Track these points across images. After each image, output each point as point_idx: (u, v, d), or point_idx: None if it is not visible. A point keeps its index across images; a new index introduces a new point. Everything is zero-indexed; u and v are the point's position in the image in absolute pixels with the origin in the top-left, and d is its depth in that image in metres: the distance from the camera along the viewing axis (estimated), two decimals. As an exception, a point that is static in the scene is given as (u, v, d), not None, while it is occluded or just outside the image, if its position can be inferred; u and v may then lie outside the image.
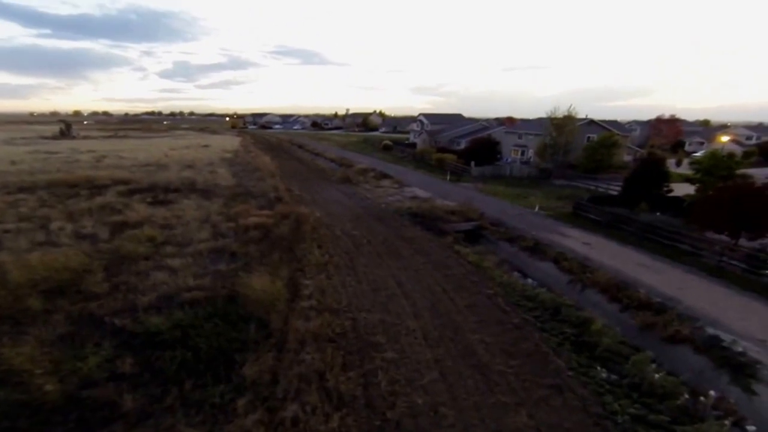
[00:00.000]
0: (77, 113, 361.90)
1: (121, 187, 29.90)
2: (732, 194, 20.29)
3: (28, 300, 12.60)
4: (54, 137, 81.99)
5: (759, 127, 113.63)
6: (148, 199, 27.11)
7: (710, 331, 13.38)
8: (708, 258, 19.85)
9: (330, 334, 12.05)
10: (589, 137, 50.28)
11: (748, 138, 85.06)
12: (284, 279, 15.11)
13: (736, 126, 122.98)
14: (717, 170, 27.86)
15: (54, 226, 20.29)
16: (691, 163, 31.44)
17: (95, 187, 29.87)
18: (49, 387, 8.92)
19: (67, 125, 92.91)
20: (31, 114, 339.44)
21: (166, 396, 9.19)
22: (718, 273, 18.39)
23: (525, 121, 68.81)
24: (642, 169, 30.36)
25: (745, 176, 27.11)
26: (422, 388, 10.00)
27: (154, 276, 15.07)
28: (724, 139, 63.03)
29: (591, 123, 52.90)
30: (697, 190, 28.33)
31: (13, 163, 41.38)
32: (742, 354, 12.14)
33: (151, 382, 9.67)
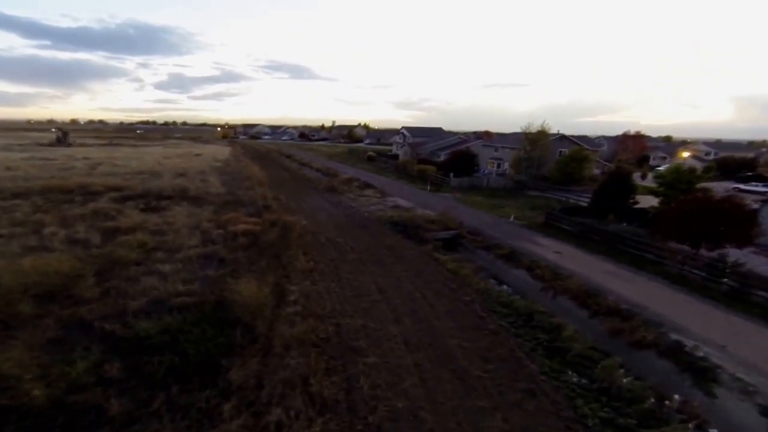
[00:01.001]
0: (74, 122, 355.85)
1: (115, 194, 29.21)
2: (693, 207, 20.63)
3: (19, 304, 12.15)
4: (50, 144, 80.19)
5: (716, 144, 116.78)
6: (141, 206, 26.53)
7: (673, 336, 13.53)
8: (671, 267, 20.13)
9: (314, 339, 11.86)
10: (560, 151, 51.06)
11: (707, 154, 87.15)
12: (271, 285, 14.85)
13: (695, 142, 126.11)
14: (679, 184, 28.42)
15: (47, 231, 19.69)
16: (655, 177, 32.01)
17: (89, 194, 29.15)
18: (36, 392, 8.57)
19: (63, 133, 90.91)
20: (29, 121, 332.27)
21: (153, 400, 8.88)
22: (680, 281, 18.68)
23: (501, 135, 69.43)
24: (610, 182, 30.77)
25: (705, 189, 27.67)
26: (403, 393, 9.88)
27: (145, 281, 14.65)
28: (686, 154, 64.48)
29: (563, 138, 53.74)
30: (660, 203, 28.81)
31: (8, 169, 40.16)
32: (704, 359, 12.29)
33: (138, 386, 9.34)
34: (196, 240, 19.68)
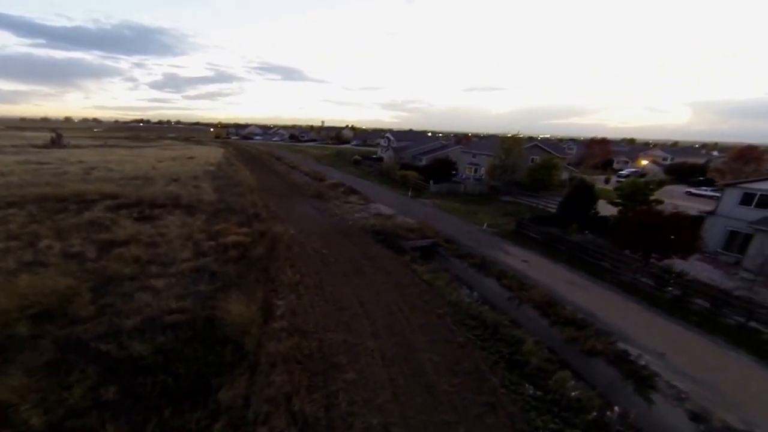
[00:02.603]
0: (68, 119, 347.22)
1: (109, 202, 28.83)
2: (644, 219, 21.45)
3: (17, 326, 12.13)
4: (45, 146, 78.15)
5: (674, 148, 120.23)
6: (135, 215, 26.27)
7: (620, 345, 14.23)
8: (624, 276, 20.93)
9: (298, 356, 12.14)
10: (532, 159, 51.92)
11: (665, 159, 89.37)
12: (259, 301, 15.05)
13: (655, 145, 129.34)
14: (636, 195, 29.30)
15: (42, 244, 19.41)
16: (615, 189, 32.98)
17: (84, 202, 28.71)
18: (34, 420, 8.71)
19: (57, 134, 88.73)
20: (22, 119, 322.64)
21: (147, 423, 9.06)
22: (631, 290, 19.47)
23: (480, 138, 70.02)
24: (576, 192, 31.56)
25: (657, 201, 28.63)
26: (377, 409, 10.28)
27: (139, 298, 14.68)
28: (644, 162, 66.12)
29: (535, 146, 54.63)
30: (619, 212, 29.69)
31: (2, 174, 39.24)
32: (645, 367, 13.00)
33: (133, 409, 9.50)
34: (188, 252, 19.65)
